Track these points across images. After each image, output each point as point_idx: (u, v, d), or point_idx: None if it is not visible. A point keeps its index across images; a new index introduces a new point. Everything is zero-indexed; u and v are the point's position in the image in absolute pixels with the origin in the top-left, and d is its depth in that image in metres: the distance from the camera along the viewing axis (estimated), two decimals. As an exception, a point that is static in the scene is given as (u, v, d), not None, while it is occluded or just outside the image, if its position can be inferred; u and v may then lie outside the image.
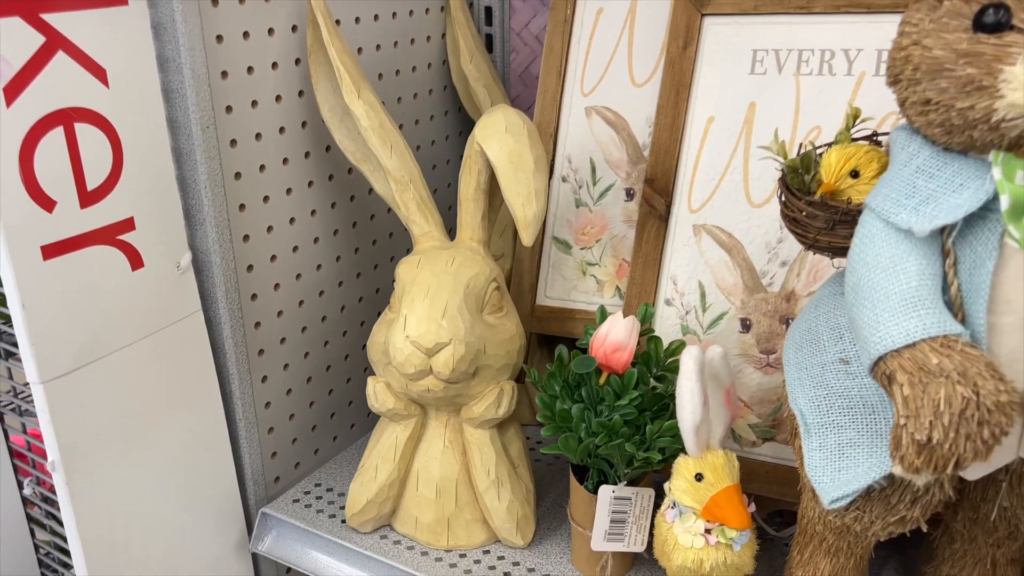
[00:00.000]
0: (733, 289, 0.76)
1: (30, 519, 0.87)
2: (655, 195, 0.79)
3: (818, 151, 0.59)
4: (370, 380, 0.75)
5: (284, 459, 0.87)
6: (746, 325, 0.76)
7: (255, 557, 0.85)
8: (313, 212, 0.85)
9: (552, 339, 0.86)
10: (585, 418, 0.66)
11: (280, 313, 0.84)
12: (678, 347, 0.70)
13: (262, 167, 0.77)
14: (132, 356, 0.68)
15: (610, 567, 0.70)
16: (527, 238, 0.69)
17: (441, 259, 0.71)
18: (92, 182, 0.62)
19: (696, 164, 0.78)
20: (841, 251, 0.56)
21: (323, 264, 0.88)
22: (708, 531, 0.61)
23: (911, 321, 0.45)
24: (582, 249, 0.84)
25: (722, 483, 0.61)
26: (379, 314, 0.97)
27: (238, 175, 0.75)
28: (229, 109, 0.72)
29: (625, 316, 0.79)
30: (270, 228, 0.80)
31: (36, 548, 0.89)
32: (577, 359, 0.65)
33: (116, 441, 0.69)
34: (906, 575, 0.72)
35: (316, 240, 0.86)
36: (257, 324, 0.81)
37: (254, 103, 0.75)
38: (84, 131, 0.61)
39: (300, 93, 0.79)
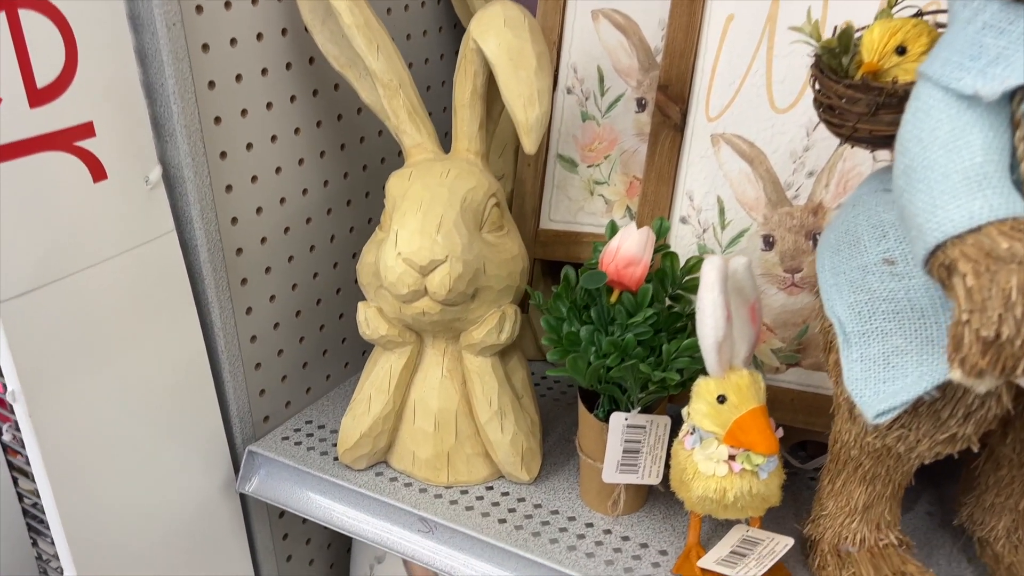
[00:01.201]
0: (755, 203, 0.70)
1: (12, 467, 0.82)
2: (669, 103, 0.72)
3: (857, 32, 0.52)
4: (361, 305, 0.69)
5: (273, 397, 0.82)
6: (769, 242, 0.69)
7: (243, 499, 0.80)
8: (297, 130, 0.78)
9: (556, 266, 0.80)
10: (595, 340, 0.61)
11: (264, 240, 0.78)
12: (696, 264, 0.64)
13: (238, 77, 0.71)
14: (99, 277, 0.62)
15: (623, 501, 0.65)
16: (530, 144, 0.62)
17: (435, 171, 0.65)
18: (42, 78, 0.55)
19: (714, 68, 0.71)
20: (884, 140, 0.50)
21: (309, 188, 0.81)
22: (732, 457, 0.56)
23: (975, 202, 0.39)
24: (589, 167, 0.78)
25: (747, 405, 0.55)
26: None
27: (212, 84, 0.68)
28: (199, 9, 0.65)
29: (637, 235, 0.73)
30: (249, 145, 0.74)
31: (20, 497, 0.84)
32: (587, 274, 0.59)
33: (84, 372, 0.63)
34: (941, 509, 0.67)
35: (301, 162, 0.80)
36: (239, 251, 0.74)
37: (227, 4, 0.68)
38: (31, 20, 0.54)
39: (279, -4, 0.72)
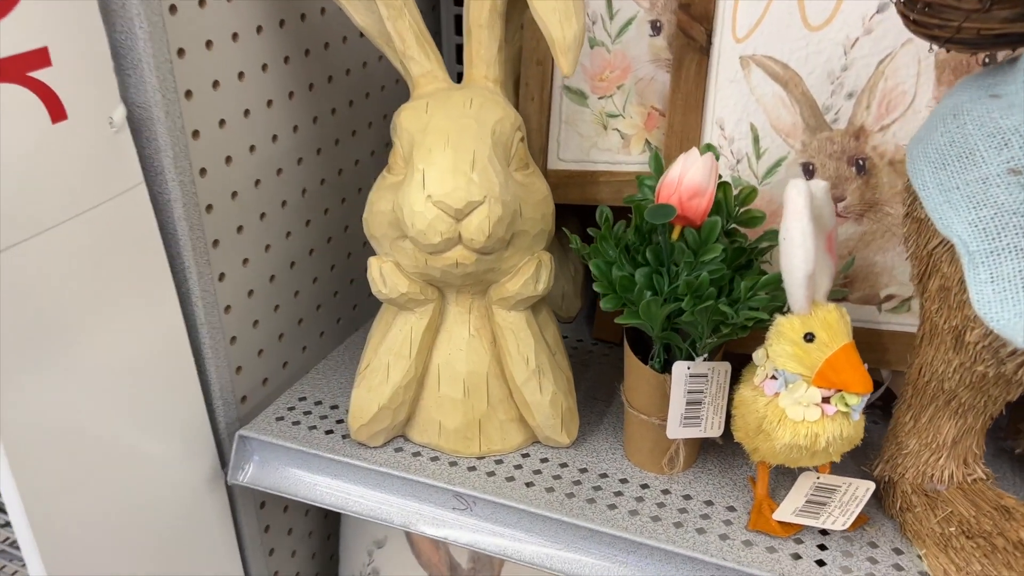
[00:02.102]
0: (792, 130, 0.65)
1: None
2: (692, 23, 0.66)
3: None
4: (373, 261, 0.60)
5: (250, 374, 0.72)
6: (809, 170, 0.65)
7: (231, 492, 0.70)
8: (264, 67, 0.68)
9: (563, 210, 0.73)
10: (653, 283, 0.54)
11: (235, 195, 0.68)
12: (749, 194, 0.59)
13: (201, 2, 0.60)
14: (59, 241, 0.51)
15: (682, 457, 0.60)
16: (568, 65, 0.55)
17: (455, 101, 0.57)
18: (-13, -10, 0.44)
19: (739, -17, 0.65)
20: (990, 41, 0.45)
21: (279, 136, 0.71)
22: (825, 400, 0.51)
23: None
24: (601, 99, 0.71)
25: (837, 342, 0.51)
26: (343, 201, 0.82)
27: (173, 8, 0.57)
28: (159, -86, 0.55)
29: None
30: (216, 84, 0.63)
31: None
32: (652, 208, 0.52)
33: (46, 355, 0.53)
34: (992, 436, 0.65)
35: (269, 103, 0.69)
36: (208, 207, 0.64)
37: (190, -90, 0.57)
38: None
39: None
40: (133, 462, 0.61)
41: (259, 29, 0.66)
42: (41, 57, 0.48)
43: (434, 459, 0.63)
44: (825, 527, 0.55)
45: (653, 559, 0.56)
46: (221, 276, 0.67)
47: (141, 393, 0.60)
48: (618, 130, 0.71)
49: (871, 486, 0.55)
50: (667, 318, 0.54)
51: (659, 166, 0.59)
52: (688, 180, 0.53)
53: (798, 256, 0.49)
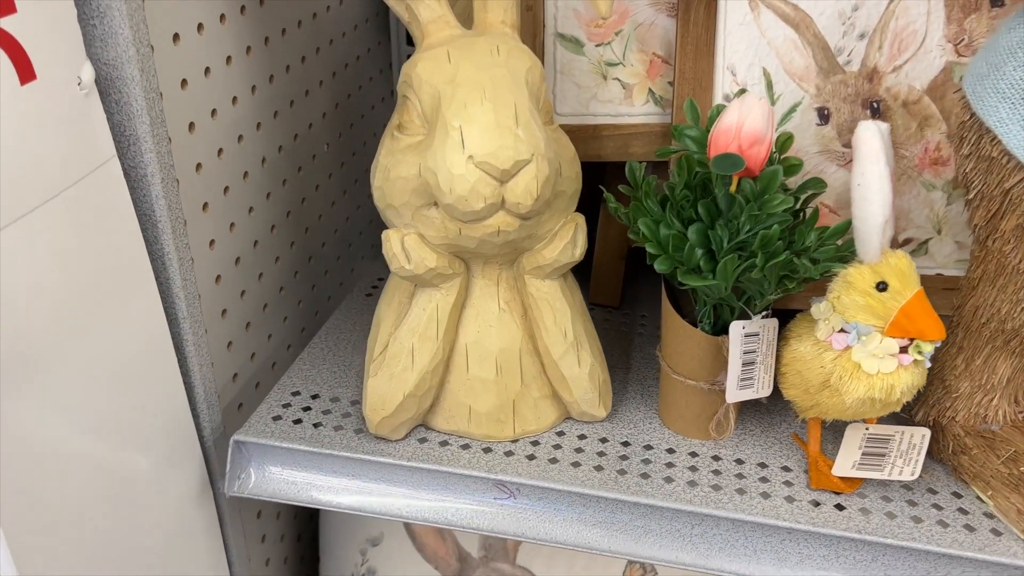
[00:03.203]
0: (805, 73, 0.63)
1: None
2: (698, -37, 0.62)
3: None
4: (391, 235, 0.53)
5: (221, 370, 0.64)
6: (824, 115, 0.63)
7: (218, 503, 0.62)
8: (223, 17, 0.59)
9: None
10: (712, 238, 0.51)
11: (199, 167, 0.59)
12: (787, 140, 0.56)
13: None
14: (35, 229, 0.42)
15: (733, 421, 0.57)
16: (604, 5, 0.50)
17: (479, 48, 0.51)
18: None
19: (744, -81, 0.62)
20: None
21: (239, 97, 0.63)
22: (903, 350, 0.49)
23: None
24: (598, 46, 0.66)
25: (911, 289, 0.49)
26: (299, 170, 0.73)
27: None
28: None
29: (676, 121, 0.63)
30: (176, 37, 0.54)
31: None
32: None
33: (22, 364, 0.43)
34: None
35: (228, 60, 0.61)
36: (176, 182, 0.55)
37: None
38: None
39: None
40: (115, 477, 0.52)
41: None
42: (5, 1, 0.38)
43: (465, 447, 0.57)
44: (892, 479, 0.54)
45: (720, 529, 0.53)
46: (191, 261, 0.58)
47: (123, 400, 0.52)
48: (619, 79, 0.67)
49: (926, 432, 0.54)
50: (748, 270, 0.51)
51: (696, 115, 0.55)
52: (748, 127, 0.49)
53: (875, 202, 0.47)
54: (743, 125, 0.49)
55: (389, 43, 0.91)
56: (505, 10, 0.53)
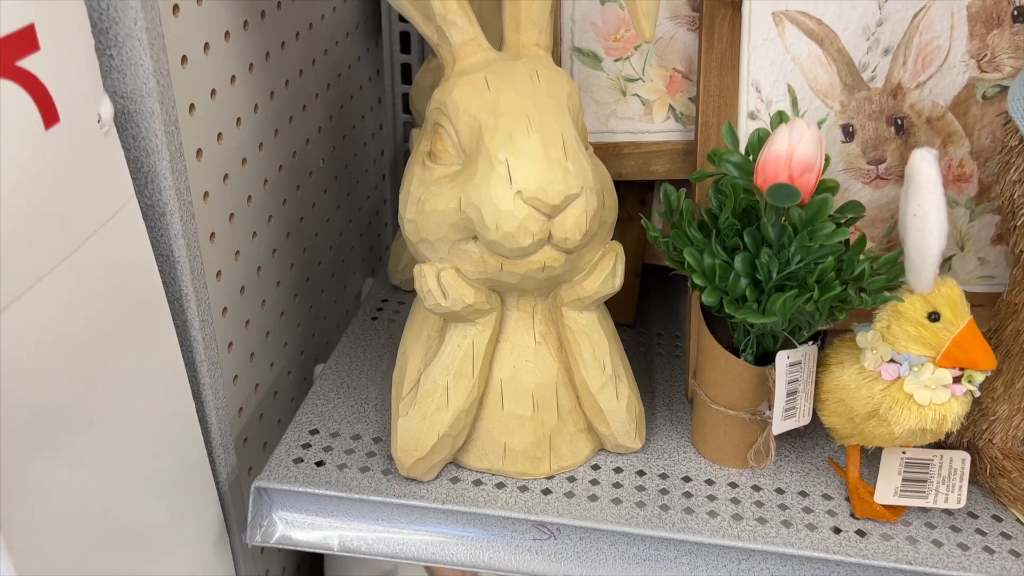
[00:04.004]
0: (830, 90, 0.62)
1: None
2: (722, -24, 0.60)
3: None
4: (426, 269, 0.51)
5: (228, 405, 0.60)
6: (849, 132, 0.62)
7: (234, 552, 0.59)
8: (227, 34, 0.56)
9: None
10: (759, 268, 0.50)
11: (206, 195, 0.56)
12: (826, 163, 0.55)
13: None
14: (59, 286, 0.38)
15: (772, 449, 0.56)
16: (648, 29, 0.48)
17: (518, 74, 0.48)
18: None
19: (767, -68, 0.60)
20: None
21: (243, 119, 0.59)
22: (956, 380, 0.49)
23: None
24: (616, 61, 0.64)
25: (962, 319, 0.48)
26: (298, 188, 0.70)
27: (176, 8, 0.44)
28: None
29: (701, 139, 0.62)
30: (184, 59, 0.50)
31: None
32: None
33: (45, 430, 0.40)
34: None
35: (233, 79, 0.57)
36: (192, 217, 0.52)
37: None
38: None
39: None
40: (130, 526, 0.48)
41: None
42: (28, 39, 0.34)
43: (500, 486, 0.55)
44: (938, 506, 0.53)
45: (769, 563, 0.52)
46: (208, 302, 0.55)
47: (141, 448, 0.48)
48: (638, 95, 0.65)
49: (966, 456, 0.54)
50: (806, 301, 0.49)
51: (735, 139, 0.53)
52: (800, 154, 0.48)
53: (933, 232, 0.46)
54: (794, 152, 0.48)
55: (379, 48, 0.87)
56: (540, 31, 0.51)
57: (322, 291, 0.79)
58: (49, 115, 0.36)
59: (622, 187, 0.69)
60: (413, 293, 0.78)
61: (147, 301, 0.46)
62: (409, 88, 0.88)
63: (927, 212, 0.46)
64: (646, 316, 0.74)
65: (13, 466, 0.38)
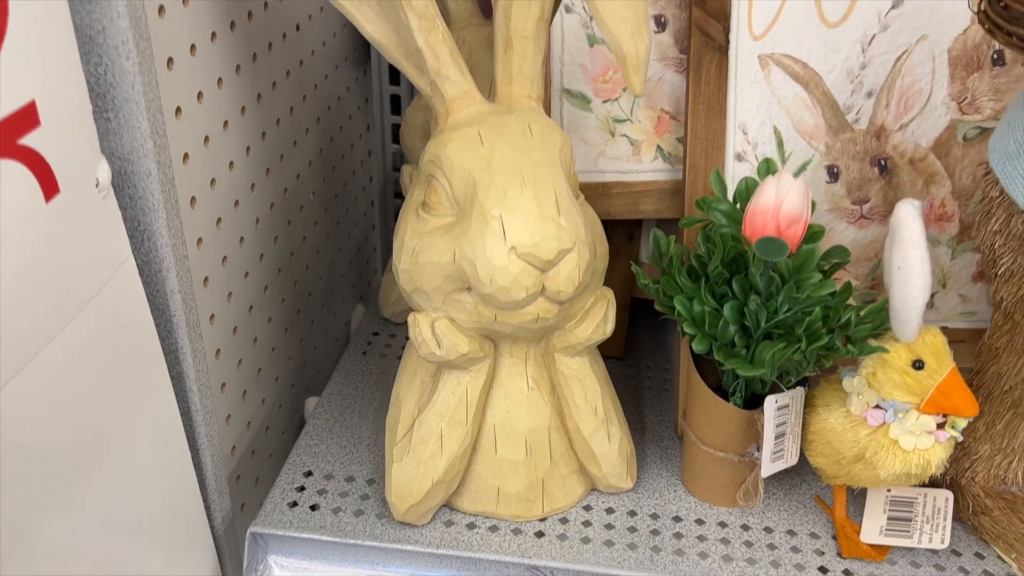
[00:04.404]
0: (815, 131, 0.63)
1: None
2: (709, 20, 0.61)
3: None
4: (419, 318, 0.51)
5: (221, 445, 0.60)
6: (834, 173, 0.63)
7: (229, 592, 0.59)
8: (219, 81, 0.56)
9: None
10: (747, 315, 0.50)
11: (200, 241, 0.56)
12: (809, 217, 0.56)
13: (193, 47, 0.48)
14: (61, 353, 0.39)
15: (761, 489, 0.57)
16: (639, 83, 0.49)
17: (511, 128, 0.49)
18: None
19: (753, -23, 0.61)
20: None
21: (235, 162, 0.59)
22: (939, 426, 0.50)
23: None
24: (605, 102, 0.65)
25: (945, 366, 0.50)
26: (289, 224, 0.70)
27: (161, 9, 0.45)
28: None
29: (689, 180, 0.63)
30: (178, 110, 0.51)
31: None
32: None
33: (45, 491, 0.40)
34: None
35: (225, 125, 0.57)
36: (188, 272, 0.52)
37: None
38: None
39: None
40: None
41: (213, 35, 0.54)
42: (30, 116, 0.35)
43: (493, 529, 0.56)
44: (923, 546, 0.54)
45: (758, 605, 0.53)
46: (204, 352, 0.55)
47: (139, 499, 0.48)
48: (626, 136, 0.65)
49: (949, 495, 0.55)
50: (798, 350, 0.50)
51: (723, 187, 0.54)
52: (787, 207, 0.49)
53: (917, 285, 0.47)
54: (781, 205, 0.49)
55: (367, 77, 0.88)
56: (531, 84, 0.52)
57: (312, 322, 0.79)
58: (49, 187, 0.36)
59: (610, 222, 0.70)
60: (403, 326, 0.79)
61: (143, 355, 0.47)
62: (397, 118, 0.89)
63: (911, 266, 0.47)
64: (635, 348, 0.75)
65: (15, 518, 0.38)
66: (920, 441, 0.50)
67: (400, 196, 0.93)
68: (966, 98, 0.62)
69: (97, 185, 0.41)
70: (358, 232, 0.90)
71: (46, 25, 0.36)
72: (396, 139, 0.89)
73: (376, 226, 0.96)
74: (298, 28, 0.69)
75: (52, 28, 0.36)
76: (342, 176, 0.83)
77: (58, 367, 0.39)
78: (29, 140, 0.35)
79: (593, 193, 0.65)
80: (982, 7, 0.48)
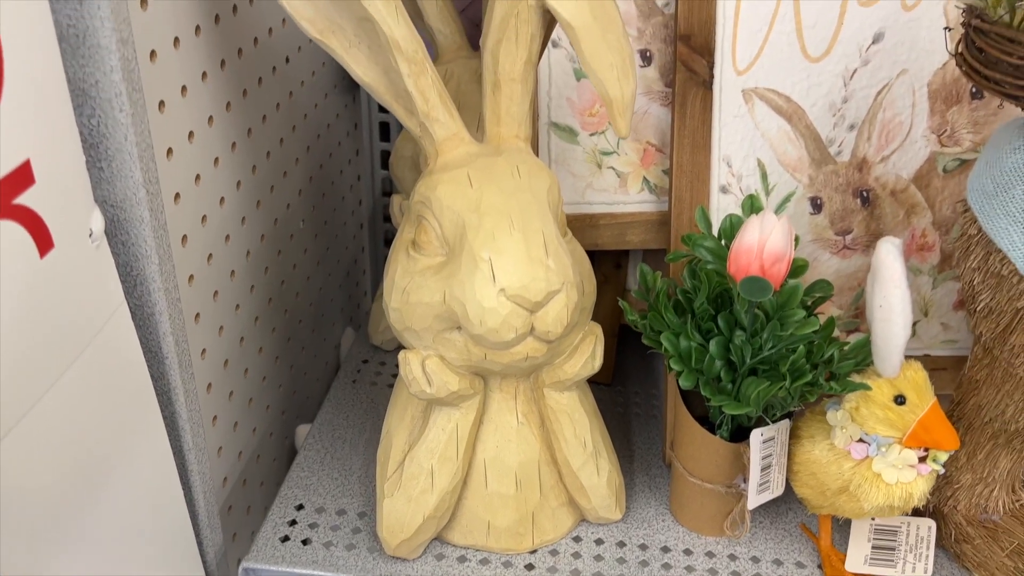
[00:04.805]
0: (798, 164, 0.64)
1: None
2: (694, 55, 0.62)
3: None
4: (410, 356, 0.52)
5: (213, 476, 0.61)
6: (817, 205, 0.64)
7: (221, 627, 0.60)
8: (211, 119, 0.56)
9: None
10: (734, 351, 0.51)
11: (191, 278, 0.56)
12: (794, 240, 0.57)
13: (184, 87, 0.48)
14: (55, 404, 0.39)
15: (748, 520, 0.58)
16: (625, 126, 0.50)
17: (499, 170, 0.50)
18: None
19: (736, 12, 0.62)
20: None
21: (225, 199, 0.60)
22: (921, 460, 0.51)
23: None
24: (592, 135, 0.66)
25: (927, 401, 0.51)
26: (279, 254, 0.71)
27: (152, 55, 0.45)
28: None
29: (674, 213, 0.64)
30: (169, 152, 0.51)
31: None
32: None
33: (40, 540, 0.40)
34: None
35: (216, 161, 0.58)
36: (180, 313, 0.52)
37: None
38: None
39: None
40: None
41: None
42: (25, 175, 0.35)
43: (484, 562, 0.56)
44: (906, 575, 0.55)
45: (745, 636, 0.54)
46: (196, 392, 0.55)
47: (136, 542, 0.49)
48: (613, 168, 0.66)
49: (932, 524, 0.56)
50: (784, 387, 0.51)
51: (708, 223, 0.55)
52: (771, 246, 0.50)
53: (898, 323, 0.48)
54: (765, 244, 0.50)
55: (356, 104, 0.88)
56: (519, 124, 0.52)
57: (302, 348, 0.79)
58: (44, 243, 0.37)
59: (598, 251, 0.71)
60: (393, 353, 0.79)
61: (137, 398, 0.47)
62: (386, 145, 0.89)
63: (892, 305, 0.48)
64: (623, 374, 0.76)
65: (16, 562, 0.38)
66: (903, 475, 0.51)
67: (389, 219, 0.94)
68: (946, 131, 0.63)
69: (91, 235, 0.41)
70: (348, 256, 0.90)
71: (41, 83, 0.36)
72: (385, 165, 0.90)
73: (366, 248, 0.96)
74: (288, 60, 0.69)
75: (47, 85, 0.37)
76: (332, 202, 0.84)
77: (55, 415, 0.39)
78: (24, 199, 0.35)
79: (581, 224, 0.66)
80: (959, 50, 0.49)
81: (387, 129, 0.88)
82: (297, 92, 0.72)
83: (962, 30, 0.48)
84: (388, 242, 0.97)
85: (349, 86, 0.86)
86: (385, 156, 0.90)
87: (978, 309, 0.52)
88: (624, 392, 0.74)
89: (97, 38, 0.39)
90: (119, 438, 0.45)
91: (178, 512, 0.53)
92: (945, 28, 0.56)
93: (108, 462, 0.45)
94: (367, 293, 0.98)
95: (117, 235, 0.45)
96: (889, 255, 0.48)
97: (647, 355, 0.79)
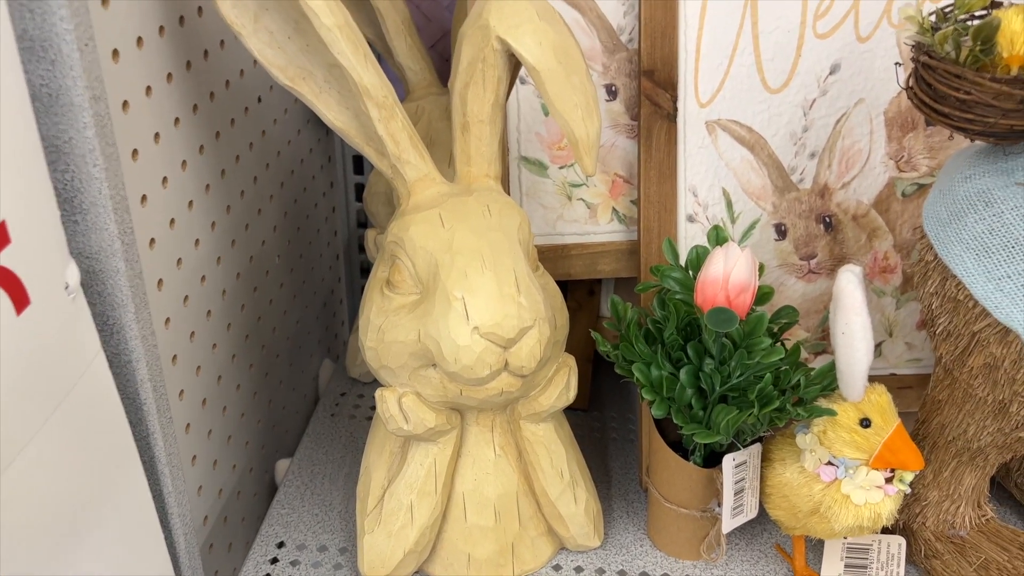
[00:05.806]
0: (762, 192, 0.65)
1: None
2: (658, 90, 0.64)
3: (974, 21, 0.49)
4: (386, 393, 0.53)
5: (193, 516, 0.61)
6: (781, 231, 0.66)
7: (205, 667, 0.60)
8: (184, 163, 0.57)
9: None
10: (704, 379, 0.53)
11: (168, 321, 0.57)
12: (760, 268, 0.58)
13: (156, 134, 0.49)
14: (31, 464, 0.40)
15: (724, 543, 0.59)
16: (591, 164, 0.51)
17: (471, 210, 0.51)
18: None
19: (698, 47, 0.64)
20: (1020, 135, 0.48)
21: (200, 240, 0.61)
22: (888, 480, 0.52)
23: None
24: (561, 168, 0.67)
25: (891, 423, 0.52)
26: (255, 290, 0.71)
27: (125, 104, 0.46)
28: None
29: (643, 243, 0.65)
30: (143, 198, 0.52)
31: None
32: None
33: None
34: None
35: (191, 204, 0.59)
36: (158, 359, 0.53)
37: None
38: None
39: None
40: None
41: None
42: (1, 236, 0.36)
43: (465, 593, 0.57)
44: (878, 594, 0.57)
45: (724, 658, 0.55)
46: (175, 436, 0.56)
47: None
48: (583, 199, 0.68)
49: (902, 541, 0.58)
50: (754, 414, 0.52)
51: (675, 254, 0.57)
52: (735, 277, 0.51)
53: (860, 350, 0.50)
54: (729, 275, 0.51)
55: (329, 138, 0.89)
56: (489, 163, 0.54)
57: (280, 382, 0.80)
58: (20, 301, 0.37)
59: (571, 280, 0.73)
60: (370, 386, 0.80)
61: (115, 445, 0.47)
62: (360, 178, 0.90)
63: (854, 331, 0.49)
64: (599, 399, 0.77)
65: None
66: (870, 495, 0.52)
67: (364, 250, 0.95)
68: (903, 156, 0.65)
69: (67, 288, 0.42)
70: (324, 287, 0.91)
71: (15, 144, 0.37)
72: (359, 197, 0.91)
73: (342, 279, 0.97)
74: (260, 100, 0.70)
75: (20, 146, 0.37)
76: (307, 235, 0.85)
77: (36, 466, 0.40)
78: (1, 258, 0.36)
79: (553, 255, 0.67)
80: (910, 84, 0.51)
81: (361, 162, 0.89)
82: (270, 130, 0.73)
83: (912, 65, 0.50)
84: (365, 272, 0.98)
85: (321, 121, 0.87)
86: (360, 188, 0.91)
87: (937, 332, 0.53)
88: (601, 417, 0.75)
89: (70, 96, 0.40)
90: (99, 485, 0.46)
91: (159, 555, 0.53)
92: (896, 64, 0.58)
93: (89, 509, 0.45)
94: (344, 323, 0.99)
95: (93, 286, 0.45)
96: (850, 284, 0.49)
97: (623, 380, 0.80)
